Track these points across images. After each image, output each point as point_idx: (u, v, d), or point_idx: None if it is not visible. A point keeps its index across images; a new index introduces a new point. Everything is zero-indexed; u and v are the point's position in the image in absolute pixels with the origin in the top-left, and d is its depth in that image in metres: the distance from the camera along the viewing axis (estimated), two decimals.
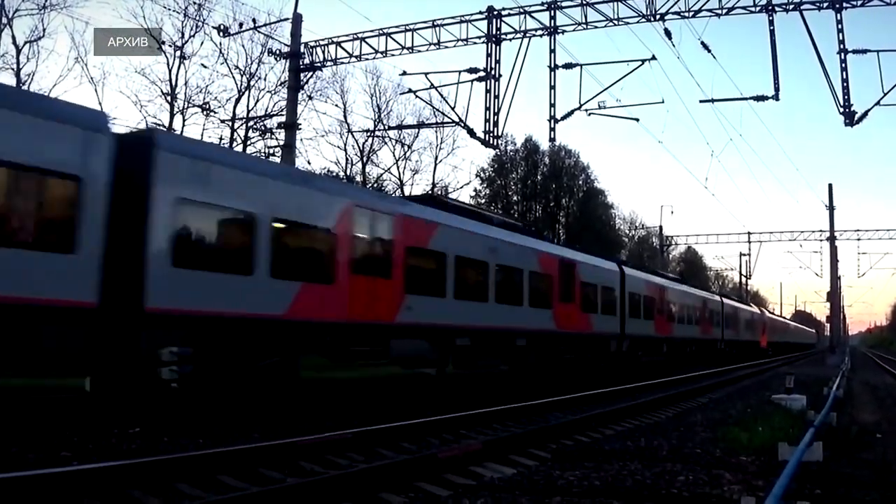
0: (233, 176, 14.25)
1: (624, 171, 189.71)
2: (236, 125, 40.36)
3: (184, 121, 38.71)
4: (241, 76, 40.74)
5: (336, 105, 47.85)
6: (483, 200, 68.51)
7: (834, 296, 59.36)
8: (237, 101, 40.87)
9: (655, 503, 7.58)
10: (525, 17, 26.11)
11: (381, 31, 27.41)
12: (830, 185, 54.47)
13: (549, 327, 25.67)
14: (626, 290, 32.84)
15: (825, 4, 23.08)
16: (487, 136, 26.71)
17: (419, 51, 27.18)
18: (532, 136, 72.80)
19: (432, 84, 27.88)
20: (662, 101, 29.58)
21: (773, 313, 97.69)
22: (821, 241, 59.78)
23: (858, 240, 59.83)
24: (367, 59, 28.90)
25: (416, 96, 31.23)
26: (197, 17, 37.46)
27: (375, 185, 48.28)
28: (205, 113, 38.62)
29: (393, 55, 27.69)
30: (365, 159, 49.47)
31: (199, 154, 14.22)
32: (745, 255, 77.27)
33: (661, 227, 72.86)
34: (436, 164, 55.55)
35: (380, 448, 11.27)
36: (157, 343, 12.67)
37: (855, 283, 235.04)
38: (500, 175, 71.53)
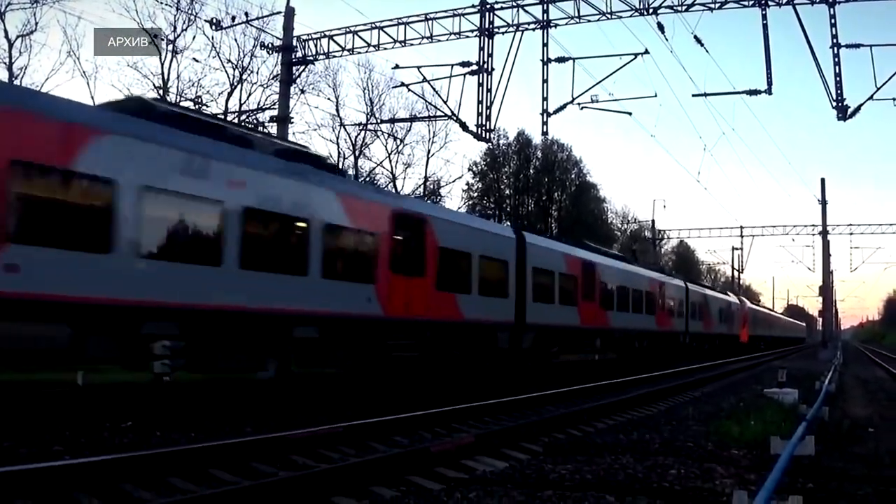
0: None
1: (616, 165, 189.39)
2: (228, 119, 40.24)
3: None
4: (234, 70, 40.67)
5: (328, 99, 47.88)
6: (475, 194, 68.52)
7: (826, 290, 59.43)
8: (229, 94, 40.84)
9: (647, 497, 7.58)
10: (518, 11, 26.04)
11: (373, 25, 27.33)
12: (823, 180, 54.58)
13: (373, 312, 17.74)
14: (528, 264, 24.60)
15: None
16: (480, 129, 26.66)
17: (412, 44, 27.11)
18: (524, 129, 72.90)
19: (425, 78, 27.82)
20: (655, 95, 29.59)
21: (756, 303, 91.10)
22: (813, 235, 59.83)
23: (851, 234, 60.06)
24: (359, 53, 28.83)
25: (409, 90, 31.25)
26: (189, 11, 37.35)
27: (368, 179, 48.20)
28: (197, 107, 38.50)
29: (385, 49, 27.61)
30: (357, 153, 49.43)
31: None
32: (737, 249, 77.44)
33: (653, 221, 72.91)
34: (428, 158, 55.52)
35: (372, 442, 11.28)
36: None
37: (847, 277, 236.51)
38: (493, 169, 71.57)
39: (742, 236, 68.69)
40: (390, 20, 27.17)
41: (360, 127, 48.31)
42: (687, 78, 70.44)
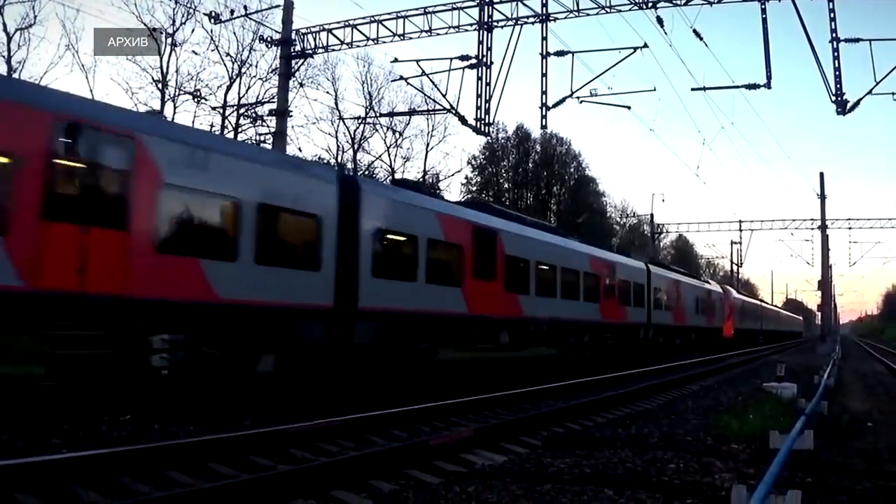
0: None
1: (615, 158, 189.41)
2: (227, 112, 40.28)
3: (175, 108, 38.63)
4: (233, 63, 40.69)
5: (327, 92, 47.91)
6: (474, 188, 68.51)
7: (825, 284, 59.45)
8: (228, 88, 40.86)
9: (646, 491, 7.57)
10: (517, 5, 26.01)
11: (372, 19, 27.30)
12: (822, 174, 54.70)
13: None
14: (361, 226, 17.55)
15: None
16: (479, 123, 26.64)
17: (411, 38, 27.07)
18: (523, 123, 72.98)
19: (424, 71, 27.80)
20: (654, 89, 29.49)
21: (743, 293, 78.37)
22: (812, 229, 59.64)
23: (850, 228, 59.87)
24: (358, 47, 28.84)
25: (408, 83, 31.16)
26: (188, 4, 37.27)
27: (367, 173, 48.19)
28: (196, 100, 38.57)
29: (384, 42, 27.59)
30: (356, 147, 49.50)
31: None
32: (736, 243, 77.37)
33: (652, 215, 72.77)
34: (427, 152, 55.61)
35: (370, 435, 11.27)
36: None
37: (846, 271, 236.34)
38: (492, 162, 71.65)
39: (741, 230, 68.55)
40: (389, 14, 27.18)
41: (359, 120, 48.37)
42: (686, 72, 70.64)
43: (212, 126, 38.72)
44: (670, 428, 12.04)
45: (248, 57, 40.75)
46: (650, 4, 24.42)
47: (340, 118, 47.87)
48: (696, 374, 26.29)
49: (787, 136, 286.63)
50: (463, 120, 26.94)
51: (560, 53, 26.75)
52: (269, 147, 19.15)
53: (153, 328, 12.89)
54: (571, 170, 77.14)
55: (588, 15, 25.42)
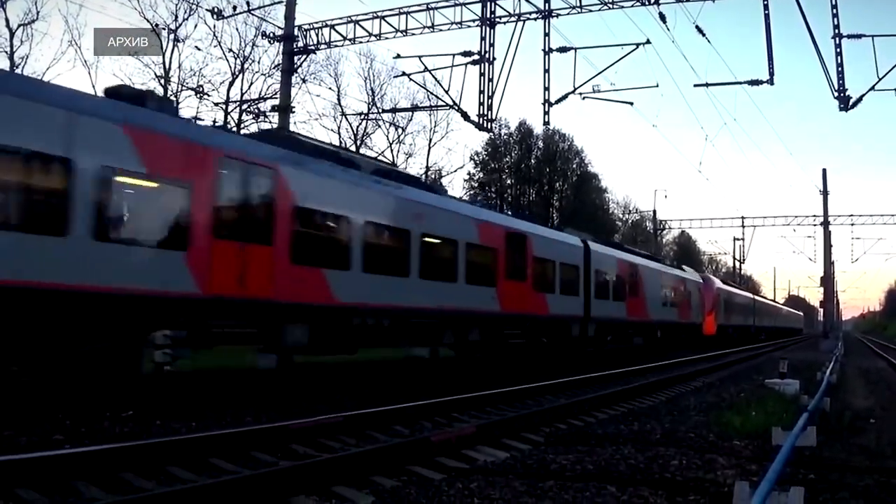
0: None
1: (618, 155, 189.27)
2: (230, 108, 40.27)
3: (178, 104, 38.54)
4: (235, 59, 40.68)
5: (330, 88, 48.10)
6: (477, 184, 68.49)
7: (827, 281, 59.46)
8: (231, 84, 40.83)
9: (649, 487, 7.57)
10: (519, 1, 26.02)
11: (375, 14, 27.32)
12: (824, 170, 54.46)
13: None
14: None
15: None
16: (481, 119, 26.66)
17: (413, 34, 27.11)
18: (526, 119, 72.99)
19: (426, 67, 27.85)
20: (657, 86, 29.73)
21: (733, 284, 70.92)
22: (815, 225, 59.78)
23: (852, 225, 59.93)
24: (360, 43, 28.92)
25: (411, 79, 31.16)
26: (191, 0, 37.27)
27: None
28: (198, 96, 38.53)
29: (387, 38, 27.62)
30: (359, 143, 49.39)
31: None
32: (738, 239, 77.29)
33: (654, 212, 72.85)
34: (430, 148, 55.58)
35: (372, 431, 11.26)
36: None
37: (849, 268, 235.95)
38: (494, 159, 71.55)
39: (743, 227, 68.70)
40: (392, 10, 27.22)
41: (362, 116, 48.34)
42: (688, 68, 70.32)
43: (214, 122, 38.71)
44: (673, 424, 12.03)
45: (250, 53, 40.80)
46: (653, 1, 24.40)
47: (343, 114, 47.90)
48: (699, 370, 26.27)
49: (790, 133, 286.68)
50: (465, 116, 26.96)
51: (563, 49, 26.79)
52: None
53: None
54: (574, 166, 77.04)
55: (590, 11, 25.45)
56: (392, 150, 52.28)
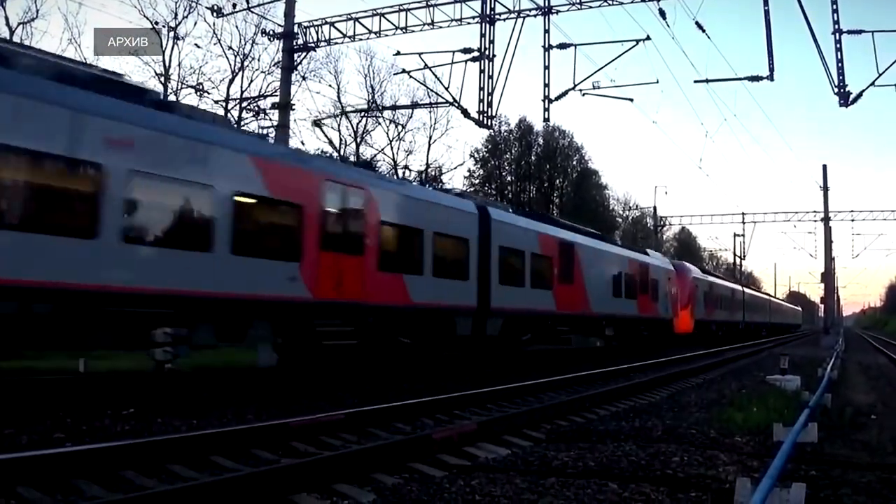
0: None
1: (618, 151, 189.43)
2: (230, 106, 40.26)
3: (177, 101, 38.54)
4: (235, 57, 40.73)
5: (330, 86, 47.88)
6: (477, 181, 68.52)
7: (828, 276, 59.40)
8: (231, 81, 40.89)
9: (651, 484, 7.56)
10: None
11: (374, 12, 27.31)
12: (825, 166, 54.41)
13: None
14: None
15: None
16: (481, 116, 26.63)
17: (413, 31, 27.07)
18: (526, 116, 72.90)
19: (426, 64, 27.79)
20: (657, 82, 29.62)
21: (717, 275, 65.33)
22: (815, 221, 59.65)
23: (853, 220, 59.82)
24: (360, 40, 28.86)
25: (410, 76, 31.21)
26: None
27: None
28: (198, 94, 38.48)
29: (387, 35, 27.60)
30: (359, 140, 49.45)
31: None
32: (739, 235, 77.23)
33: (654, 208, 72.73)
34: (430, 145, 55.55)
35: (373, 429, 11.25)
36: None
37: (849, 263, 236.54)
38: (494, 156, 71.59)
39: (744, 223, 68.69)
40: (391, 7, 27.14)
41: (362, 114, 48.31)
42: (688, 64, 70.21)
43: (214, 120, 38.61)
44: (674, 421, 12.02)
45: (250, 50, 40.87)
46: None
47: (343, 111, 47.87)
48: (700, 366, 26.27)
49: (790, 128, 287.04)
50: (465, 113, 26.94)
51: (562, 46, 26.76)
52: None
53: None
54: (574, 163, 77.14)
55: (590, 7, 25.48)
56: (392, 148, 52.33)
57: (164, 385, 13.43)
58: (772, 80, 24.80)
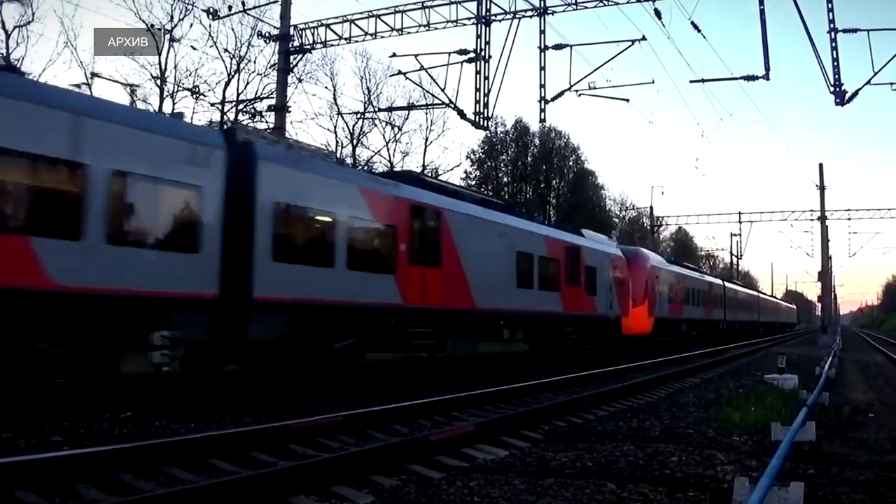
0: None
1: (614, 152, 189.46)
2: (226, 108, 40.23)
3: (174, 104, 38.55)
4: (231, 59, 40.56)
5: (326, 87, 47.92)
6: (473, 182, 68.49)
7: (825, 275, 59.40)
8: (227, 84, 40.73)
9: (649, 484, 7.56)
10: None
11: (370, 13, 27.36)
12: (821, 165, 54.85)
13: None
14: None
15: None
16: (477, 117, 26.69)
17: (409, 32, 27.14)
18: (522, 117, 72.76)
19: (422, 66, 27.86)
20: (653, 82, 29.55)
21: (687, 266, 53.75)
22: (812, 220, 59.68)
23: (849, 219, 59.92)
24: (356, 42, 28.90)
25: (406, 78, 31.18)
26: (186, 1, 37.20)
27: (365, 168, 48.20)
28: (194, 96, 38.43)
29: (382, 37, 27.66)
30: (355, 142, 49.41)
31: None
32: (735, 235, 77.23)
33: (651, 208, 72.68)
34: (426, 146, 55.50)
35: (371, 431, 11.25)
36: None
37: (846, 262, 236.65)
38: (490, 157, 71.54)
39: (741, 222, 68.61)
40: (387, 8, 27.28)
41: (358, 115, 48.32)
42: (684, 64, 70.15)
43: (210, 122, 38.67)
44: (672, 421, 12.03)
45: (246, 53, 40.66)
46: None
47: (339, 113, 47.87)
48: (698, 366, 26.27)
49: (786, 128, 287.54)
50: (462, 114, 26.98)
51: (558, 47, 26.81)
52: None
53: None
54: (570, 163, 77.01)
55: (586, 8, 25.52)
56: (388, 149, 52.31)
57: (162, 388, 13.41)
58: (768, 79, 24.87)
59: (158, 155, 13.21)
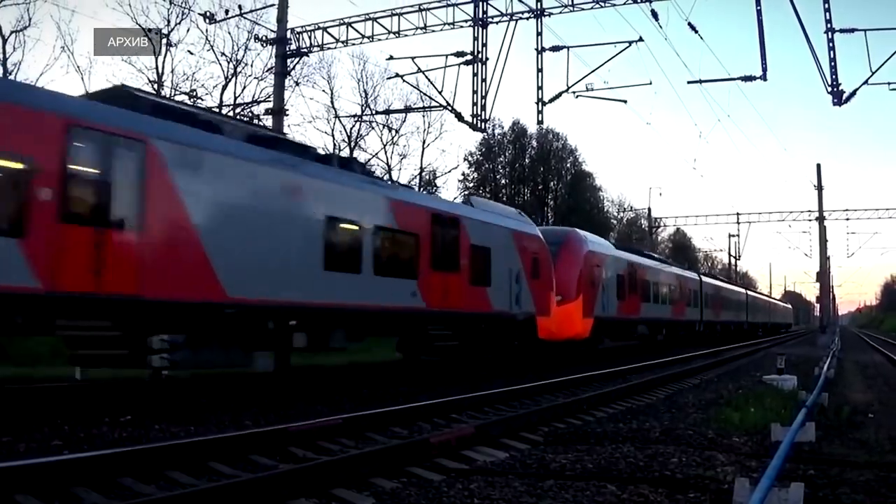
0: None
1: (612, 153, 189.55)
2: (224, 112, 40.16)
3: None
4: (228, 63, 40.55)
5: (323, 91, 47.72)
6: (471, 184, 68.52)
7: (823, 276, 59.48)
8: (224, 87, 40.70)
9: (649, 485, 7.57)
10: (511, 0, 26.01)
11: (367, 16, 27.30)
12: (819, 165, 54.51)
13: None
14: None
15: None
16: (475, 119, 26.67)
17: (406, 35, 27.10)
18: (519, 119, 72.80)
19: (419, 68, 27.80)
20: (650, 83, 29.61)
21: (647, 255, 43.52)
22: (810, 221, 59.53)
23: (847, 220, 59.76)
24: (353, 45, 28.85)
25: (404, 81, 31.06)
26: (183, 5, 37.19)
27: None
28: (192, 100, 38.38)
29: (379, 40, 27.60)
30: (352, 145, 49.33)
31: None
32: (733, 236, 77.18)
33: (649, 209, 72.70)
34: (423, 149, 55.41)
35: (371, 433, 11.24)
36: None
37: (844, 262, 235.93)
38: (488, 159, 71.56)
39: (738, 223, 68.45)
40: (384, 11, 27.21)
41: (355, 118, 48.28)
42: (681, 65, 70.26)
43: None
44: (672, 422, 12.04)
45: (243, 56, 40.63)
46: None
47: (336, 116, 47.82)
48: (697, 367, 26.29)
49: (784, 128, 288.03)
50: (459, 116, 26.96)
51: (555, 48, 26.74)
52: None
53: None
54: (568, 165, 77.07)
55: (583, 9, 25.45)
56: (386, 152, 52.22)
57: (162, 391, 13.41)
58: (765, 79, 24.85)
59: None
